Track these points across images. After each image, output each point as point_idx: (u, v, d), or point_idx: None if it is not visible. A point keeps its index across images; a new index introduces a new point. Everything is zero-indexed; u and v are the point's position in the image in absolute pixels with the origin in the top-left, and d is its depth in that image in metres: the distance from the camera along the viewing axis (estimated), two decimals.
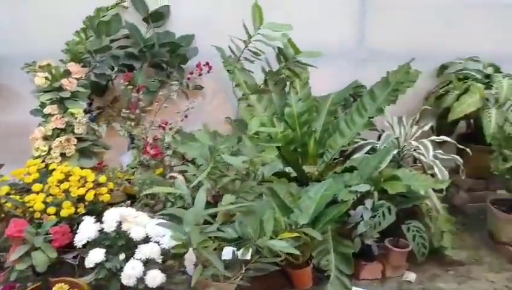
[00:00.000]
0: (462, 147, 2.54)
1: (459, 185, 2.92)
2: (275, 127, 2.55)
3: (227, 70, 2.55)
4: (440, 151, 2.48)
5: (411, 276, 2.24)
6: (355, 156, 2.51)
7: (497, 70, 2.86)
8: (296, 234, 1.67)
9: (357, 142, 2.56)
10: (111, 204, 2.17)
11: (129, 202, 1.99)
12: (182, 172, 1.80)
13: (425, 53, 3.00)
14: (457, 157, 2.47)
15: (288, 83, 2.64)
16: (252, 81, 2.59)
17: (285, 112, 2.62)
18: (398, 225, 2.22)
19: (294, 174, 2.50)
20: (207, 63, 2.26)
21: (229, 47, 2.34)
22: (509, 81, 2.62)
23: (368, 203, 2.14)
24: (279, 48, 2.26)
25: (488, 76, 2.78)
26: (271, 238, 1.62)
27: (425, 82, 3.04)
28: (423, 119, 2.89)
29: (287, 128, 2.61)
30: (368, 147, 2.49)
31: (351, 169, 2.39)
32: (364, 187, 2.15)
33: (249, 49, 2.17)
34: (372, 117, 2.53)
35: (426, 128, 2.61)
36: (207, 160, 1.61)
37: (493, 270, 2.33)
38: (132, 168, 2.33)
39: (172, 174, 1.63)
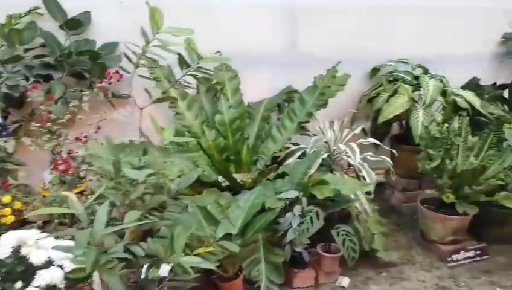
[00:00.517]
0: (388, 148, 2.57)
1: (394, 186, 2.97)
2: (205, 135, 2.50)
3: (154, 78, 2.46)
4: (370, 153, 2.49)
5: (344, 281, 2.23)
6: (287, 161, 2.48)
7: (426, 71, 2.92)
8: (211, 248, 1.60)
9: (288, 148, 2.53)
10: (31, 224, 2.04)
11: (41, 222, 1.86)
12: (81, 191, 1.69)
13: (360, 56, 3.04)
14: (387, 158, 2.49)
15: (219, 89, 2.59)
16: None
17: (216, 120, 2.56)
18: (331, 229, 2.21)
19: (227, 183, 2.47)
20: (117, 71, 2.17)
21: (124, 54, 2.24)
22: (435, 82, 2.67)
23: (296, 209, 2.10)
24: (179, 54, 2.19)
25: (417, 77, 2.83)
26: (187, 254, 1.54)
27: (361, 85, 3.07)
28: (357, 121, 2.92)
29: (219, 136, 2.55)
30: (300, 152, 2.47)
31: (283, 175, 2.36)
32: (292, 194, 2.12)
33: (145, 56, 2.08)
34: (304, 122, 2.51)
35: (357, 130, 2.62)
36: (111, 175, 1.52)
37: (424, 269, 2.35)
38: (53, 184, 2.19)
39: (64, 192, 1.52)
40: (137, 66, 2.15)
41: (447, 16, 3.10)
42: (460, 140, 2.40)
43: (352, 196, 2.25)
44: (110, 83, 2.11)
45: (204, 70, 2.13)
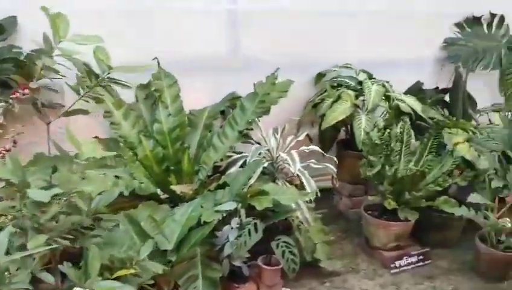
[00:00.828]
0: (328, 155, 2.54)
1: (341, 192, 2.95)
2: (143, 145, 2.39)
3: (87, 86, 2.32)
4: (313, 160, 2.45)
5: None
6: (230, 171, 2.40)
7: (370, 76, 2.92)
8: (132, 271, 1.50)
9: (231, 157, 2.46)
10: None
11: None
12: None
13: (308, 61, 3.01)
14: (330, 165, 2.46)
15: (157, 96, 2.49)
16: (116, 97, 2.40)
17: (154, 129, 2.45)
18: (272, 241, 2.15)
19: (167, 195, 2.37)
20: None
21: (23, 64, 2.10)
22: (377, 87, 2.67)
23: (234, 222, 2.03)
24: (85, 64, 2.06)
25: (361, 83, 2.82)
26: (106, 278, 1.44)
27: (308, 90, 3.05)
28: (302, 128, 2.89)
29: (157, 146, 2.45)
30: (242, 161, 2.40)
31: (224, 186, 2.29)
32: (229, 205, 2.04)
33: (46, 66, 1.95)
34: (245, 130, 2.45)
35: (301, 137, 2.58)
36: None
37: (368, 277, 2.33)
38: None
39: None
40: (38, 78, 2.01)
41: (392, 21, 3.11)
42: (399, 146, 2.40)
43: (294, 206, 2.20)
44: (24, 94, 1.96)
45: (118, 82, 2.01)
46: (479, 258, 2.34)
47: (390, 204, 2.32)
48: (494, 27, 3.27)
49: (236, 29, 2.80)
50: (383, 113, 2.80)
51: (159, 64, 2.52)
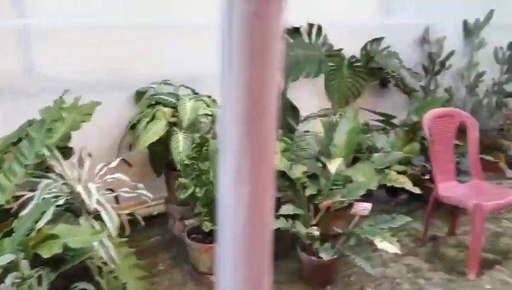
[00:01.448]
0: (130, 180, 2.33)
1: (174, 215, 2.77)
2: None
3: None
4: (126, 189, 2.23)
5: None
6: (22, 213, 2.06)
7: (194, 91, 2.80)
8: None
9: (21, 197, 2.11)
10: None
11: None
12: None
13: (128, 79, 2.79)
14: (143, 192, 2.25)
15: None
16: None
17: None
18: None
19: None
20: None
21: None
22: (194, 103, 2.55)
23: (10, 278, 1.71)
24: None
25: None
26: None
27: (132, 110, 2.83)
28: (121, 151, 2.66)
29: None
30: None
31: (11, 233, 1.94)
32: (6, 258, 1.72)
33: None
34: (35, 164, 2.12)
35: (114, 164, 2.33)
36: None
37: None
38: None
39: None
40: None
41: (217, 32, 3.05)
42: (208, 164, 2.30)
43: (96, 245, 1.95)
44: None
45: None
46: (303, 267, 2.34)
47: (207, 226, 2.20)
48: (313, 36, 3.41)
49: (30, 47, 2.46)
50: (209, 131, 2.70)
51: None
